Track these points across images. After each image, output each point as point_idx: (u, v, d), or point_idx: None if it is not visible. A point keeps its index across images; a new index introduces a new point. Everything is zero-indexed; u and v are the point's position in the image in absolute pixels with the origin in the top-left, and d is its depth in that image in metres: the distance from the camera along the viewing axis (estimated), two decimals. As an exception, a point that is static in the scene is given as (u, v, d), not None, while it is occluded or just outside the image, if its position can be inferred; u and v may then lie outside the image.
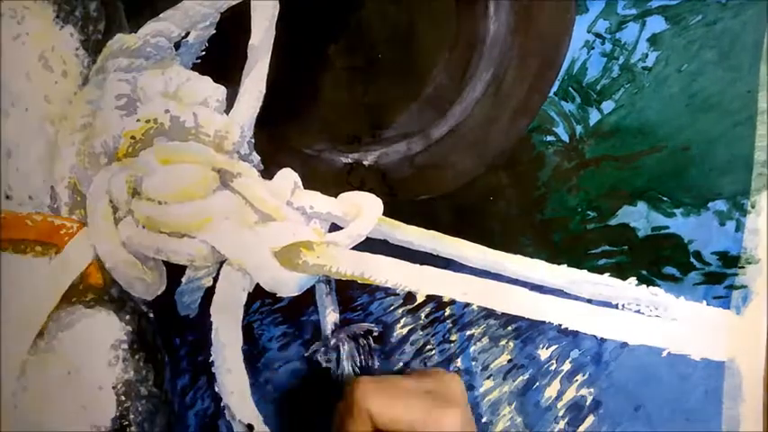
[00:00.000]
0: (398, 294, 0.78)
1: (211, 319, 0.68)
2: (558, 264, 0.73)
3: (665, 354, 0.74)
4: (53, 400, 0.64)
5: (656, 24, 0.71)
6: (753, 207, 0.73)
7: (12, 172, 0.66)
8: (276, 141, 0.68)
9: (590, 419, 0.75)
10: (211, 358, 0.69)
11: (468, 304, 0.73)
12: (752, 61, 0.71)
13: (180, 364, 0.70)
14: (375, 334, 0.77)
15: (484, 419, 0.78)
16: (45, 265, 0.65)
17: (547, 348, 0.75)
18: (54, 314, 0.65)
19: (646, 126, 0.71)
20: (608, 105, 0.71)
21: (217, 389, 0.69)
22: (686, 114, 0.71)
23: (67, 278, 0.65)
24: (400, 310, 0.79)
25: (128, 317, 0.68)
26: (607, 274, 0.73)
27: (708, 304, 0.74)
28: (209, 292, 0.69)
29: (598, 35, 0.70)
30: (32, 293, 0.64)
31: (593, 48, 0.70)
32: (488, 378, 0.75)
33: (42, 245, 0.65)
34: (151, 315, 0.69)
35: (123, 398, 0.66)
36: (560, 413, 0.75)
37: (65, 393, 0.64)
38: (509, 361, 0.75)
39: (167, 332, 0.69)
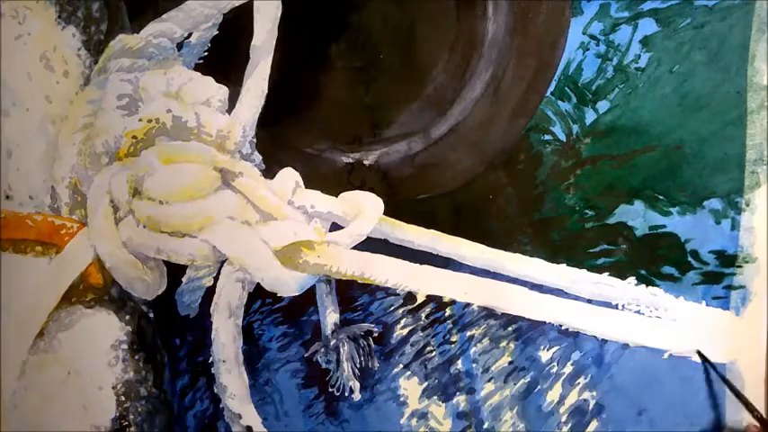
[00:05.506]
0: (399, 294, 0.78)
1: (211, 320, 0.68)
2: (558, 263, 0.73)
3: (666, 356, 0.74)
4: (53, 400, 0.63)
5: (648, 27, 0.72)
6: (747, 205, 0.73)
7: (12, 172, 0.66)
8: (278, 141, 0.68)
9: (593, 424, 0.75)
10: (211, 359, 0.68)
11: (468, 304, 0.73)
12: (739, 63, 0.72)
13: (179, 365, 0.69)
14: (375, 334, 0.77)
15: (485, 425, 0.78)
16: (45, 265, 0.65)
17: (548, 350, 0.75)
18: (54, 314, 0.64)
19: (640, 125, 0.72)
20: (603, 105, 0.72)
21: (216, 390, 0.68)
22: (678, 114, 0.73)
23: (67, 278, 0.65)
24: (400, 311, 0.79)
25: (128, 317, 0.67)
26: (606, 274, 0.74)
27: (707, 305, 0.75)
28: (210, 291, 0.69)
29: (593, 37, 0.71)
30: (32, 293, 0.64)
31: (588, 49, 0.71)
32: (489, 381, 0.74)
33: (42, 245, 0.65)
34: (151, 315, 0.68)
35: (123, 398, 0.65)
36: (563, 418, 0.74)
37: (65, 393, 0.64)
38: (510, 363, 0.74)
39: (167, 332, 0.69)
